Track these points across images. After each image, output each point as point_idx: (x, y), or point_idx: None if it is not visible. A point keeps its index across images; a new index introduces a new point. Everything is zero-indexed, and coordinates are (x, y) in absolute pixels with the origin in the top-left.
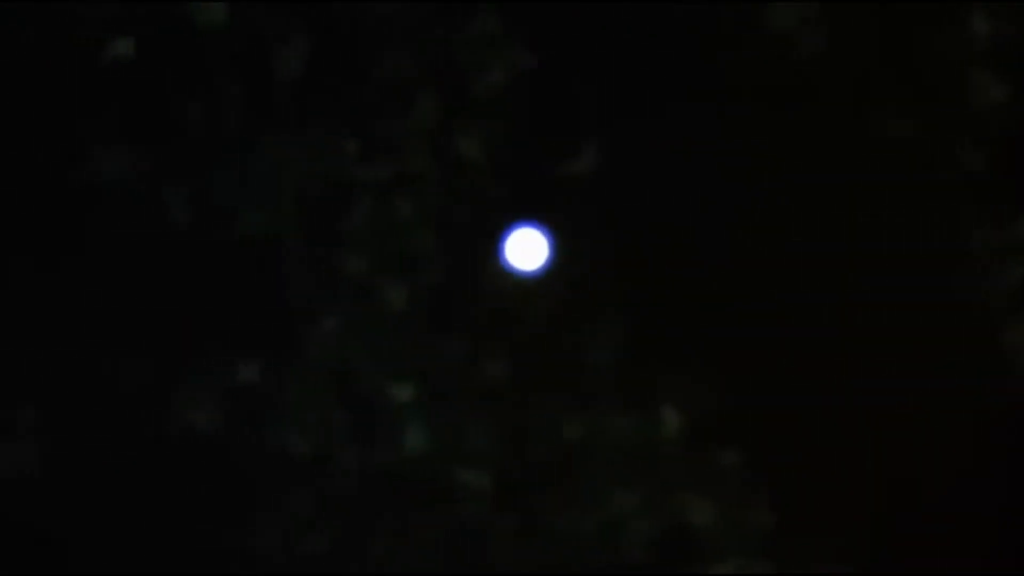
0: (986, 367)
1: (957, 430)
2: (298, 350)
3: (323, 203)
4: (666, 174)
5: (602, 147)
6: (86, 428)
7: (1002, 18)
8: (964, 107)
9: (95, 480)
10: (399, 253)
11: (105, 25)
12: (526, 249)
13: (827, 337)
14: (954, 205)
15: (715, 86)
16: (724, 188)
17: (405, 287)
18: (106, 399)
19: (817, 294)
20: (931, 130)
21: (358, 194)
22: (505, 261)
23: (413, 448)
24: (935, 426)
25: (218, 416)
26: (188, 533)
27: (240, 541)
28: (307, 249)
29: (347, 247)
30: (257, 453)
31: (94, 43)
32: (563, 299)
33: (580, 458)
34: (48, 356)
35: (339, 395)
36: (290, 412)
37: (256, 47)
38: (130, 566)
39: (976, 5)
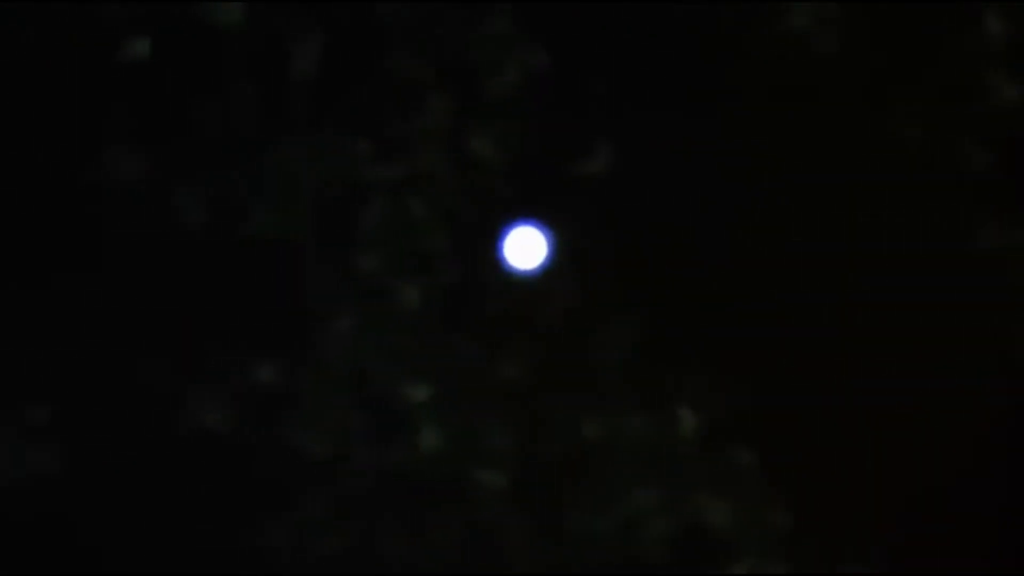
0: (1004, 367)
1: (977, 430)
2: (312, 350)
3: (337, 203)
4: (680, 174)
5: (616, 147)
6: (101, 429)
7: (1016, 18)
8: (977, 107)
9: (110, 480)
10: (413, 253)
11: (121, 25)
12: (527, 248)
13: (844, 337)
14: (967, 205)
15: (729, 86)
16: (739, 188)
17: (419, 287)
18: (121, 400)
19: (834, 294)
20: (943, 130)
21: (372, 194)
22: (507, 260)
23: (429, 448)
24: (954, 427)
25: (232, 417)
26: (203, 533)
27: (255, 541)
28: (320, 249)
29: (361, 247)
30: (272, 454)
31: (109, 43)
32: (579, 298)
33: (596, 458)
34: (63, 357)
35: (354, 395)
36: (305, 412)
37: (270, 47)
38: (145, 566)
39: (989, 5)
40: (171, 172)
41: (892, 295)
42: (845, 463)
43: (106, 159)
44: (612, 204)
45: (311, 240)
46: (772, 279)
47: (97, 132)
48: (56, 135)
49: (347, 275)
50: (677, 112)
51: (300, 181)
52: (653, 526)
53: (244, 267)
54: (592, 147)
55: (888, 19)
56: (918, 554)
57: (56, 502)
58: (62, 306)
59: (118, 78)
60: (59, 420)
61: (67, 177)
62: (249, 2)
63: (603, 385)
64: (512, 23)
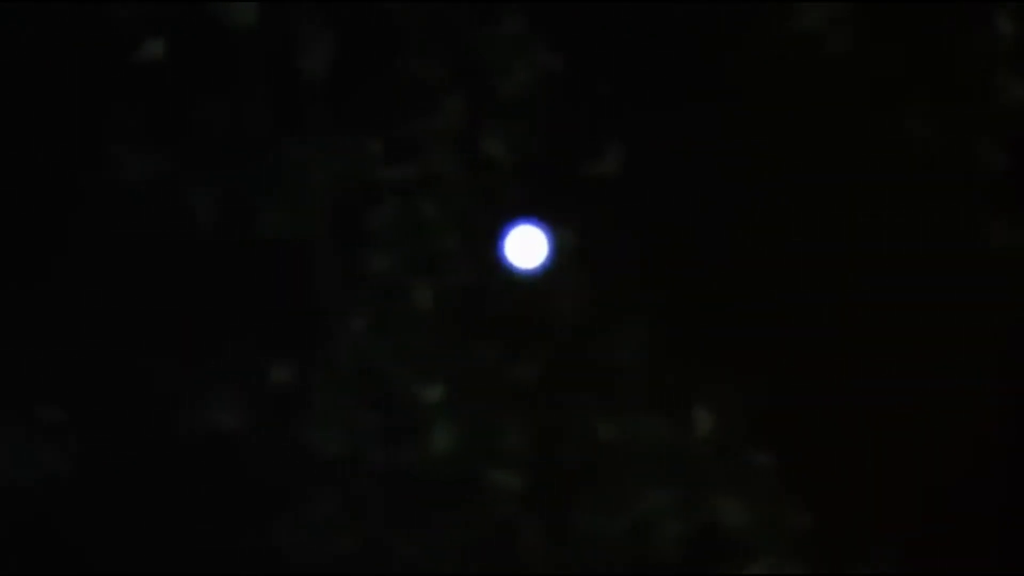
0: (1021, 367)
1: (996, 431)
2: (324, 350)
3: (349, 204)
4: (692, 174)
5: (628, 147)
6: (114, 429)
7: None
8: (987, 107)
9: (123, 481)
10: (425, 254)
11: (134, 25)
12: (539, 248)
13: (860, 338)
14: (978, 205)
15: (741, 87)
16: (750, 188)
17: (431, 287)
18: (134, 400)
19: (851, 295)
20: (954, 130)
21: (384, 195)
22: (519, 261)
23: (442, 448)
24: (975, 427)
25: (246, 417)
26: (214, 533)
27: (268, 541)
28: (333, 250)
29: (373, 247)
30: (285, 453)
31: (123, 43)
32: (592, 299)
33: (611, 459)
34: (76, 357)
35: (366, 395)
36: (317, 412)
37: (283, 48)
38: (157, 566)
39: (1001, 6)
40: (184, 172)
41: (906, 296)
42: (861, 464)
43: (120, 159)
44: (624, 205)
45: (323, 240)
46: (786, 280)
47: (111, 132)
48: (70, 135)
49: (359, 275)
50: (689, 113)
51: (312, 181)
52: (668, 527)
53: (256, 267)
54: (604, 148)
55: (899, 20)
56: (935, 554)
57: (68, 502)
58: (74, 306)
59: (132, 78)
60: (71, 420)
61: (81, 177)
62: (262, 2)
63: (618, 386)
64: (523, 24)
